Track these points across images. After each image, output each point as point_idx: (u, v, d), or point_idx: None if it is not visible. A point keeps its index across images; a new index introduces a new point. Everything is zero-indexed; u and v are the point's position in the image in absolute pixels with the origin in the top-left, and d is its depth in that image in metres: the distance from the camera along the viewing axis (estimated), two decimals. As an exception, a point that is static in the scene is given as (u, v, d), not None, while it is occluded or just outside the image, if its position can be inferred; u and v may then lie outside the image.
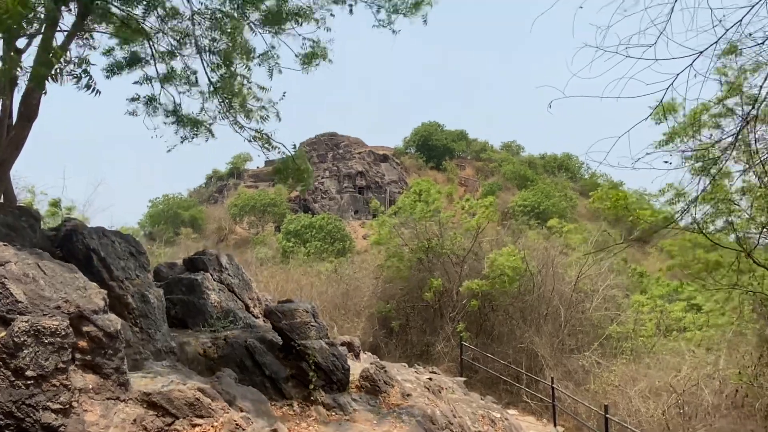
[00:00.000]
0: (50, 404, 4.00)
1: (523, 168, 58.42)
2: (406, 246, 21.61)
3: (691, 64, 4.41)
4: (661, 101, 4.64)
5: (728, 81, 7.04)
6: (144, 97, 10.20)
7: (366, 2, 9.96)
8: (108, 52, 9.95)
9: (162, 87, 10.45)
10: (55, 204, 15.91)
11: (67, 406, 4.08)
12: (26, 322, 4.06)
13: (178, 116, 10.45)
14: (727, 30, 4.34)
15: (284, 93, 10.54)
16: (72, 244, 8.55)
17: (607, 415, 12.38)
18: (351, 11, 9.98)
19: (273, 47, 10.28)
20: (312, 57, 10.25)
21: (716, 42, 4.40)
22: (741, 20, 4.27)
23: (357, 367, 10.85)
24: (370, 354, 15.47)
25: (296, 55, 10.35)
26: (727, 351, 13.28)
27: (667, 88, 4.49)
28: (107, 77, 10.02)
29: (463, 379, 16.42)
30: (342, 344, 12.10)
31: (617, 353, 17.30)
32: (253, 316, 11.81)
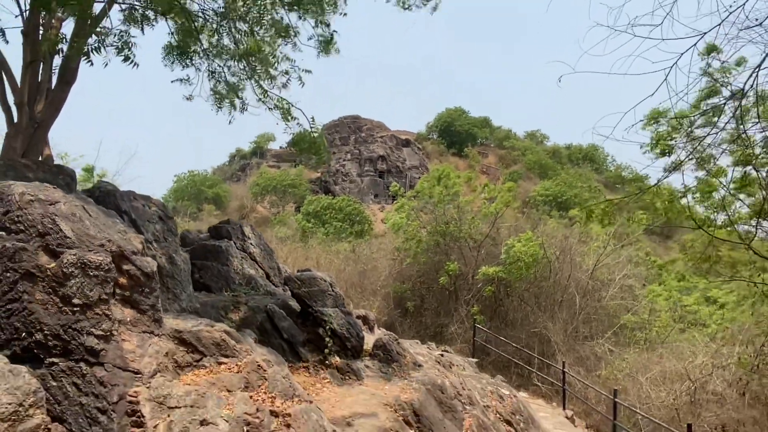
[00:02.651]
0: (93, 330, 4.44)
1: (547, 158, 58.00)
2: (424, 229, 21.89)
3: (695, 45, 4.61)
4: (665, 78, 4.85)
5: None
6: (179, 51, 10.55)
7: None
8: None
9: (209, 58, 10.84)
10: (89, 170, 16.53)
11: (108, 333, 4.51)
12: (74, 255, 4.47)
13: (230, 86, 10.81)
14: (730, 13, 4.51)
15: (309, 70, 10.88)
16: (105, 205, 9.02)
17: (616, 400, 12.60)
18: None
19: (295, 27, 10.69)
20: (329, 44, 10.66)
21: (720, 24, 4.58)
22: (744, 4, 4.44)
23: (371, 339, 11.22)
24: (384, 330, 15.86)
25: (314, 37, 10.74)
26: (740, 342, 13.35)
27: (671, 67, 4.70)
28: (165, 59, 10.44)
29: (475, 360, 16.69)
30: (358, 317, 12.47)
31: (631, 342, 17.42)
32: (273, 284, 12.23)
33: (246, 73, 10.54)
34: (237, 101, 10.85)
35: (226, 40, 10.48)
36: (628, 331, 18.17)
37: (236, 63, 10.52)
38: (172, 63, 10.37)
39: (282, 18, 10.33)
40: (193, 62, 10.47)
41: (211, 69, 10.67)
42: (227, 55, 10.52)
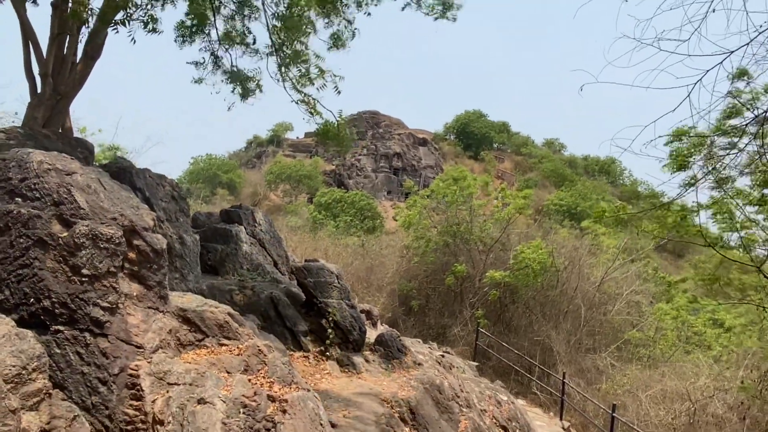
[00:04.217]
0: (100, 301, 4.50)
1: (563, 167, 57.58)
2: (435, 228, 21.85)
3: (721, 63, 4.55)
4: (688, 95, 4.81)
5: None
6: (203, 46, 10.66)
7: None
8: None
9: (219, 44, 10.95)
10: (112, 149, 16.75)
11: (114, 306, 4.57)
12: (86, 226, 4.54)
13: (232, 73, 10.93)
14: (760, 33, 4.45)
15: (341, 77, 10.92)
16: (120, 180, 9.11)
17: (614, 414, 12.51)
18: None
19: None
20: (338, 39, 10.73)
21: (748, 44, 4.52)
22: (774, 25, 4.37)
23: (373, 335, 11.24)
24: (387, 326, 15.87)
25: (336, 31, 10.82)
26: (745, 367, 13.21)
27: (695, 84, 4.65)
28: (177, 40, 10.57)
29: (475, 363, 16.65)
30: (362, 311, 12.50)
31: (634, 358, 17.30)
32: (280, 272, 12.30)
33: (279, 69, 10.62)
34: (238, 89, 10.94)
35: (239, 26, 10.59)
36: (632, 347, 18.03)
37: (267, 57, 10.63)
38: (183, 42, 10.47)
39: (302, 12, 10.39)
40: (211, 44, 10.57)
41: (216, 54, 10.79)
42: (242, 44, 10.63)
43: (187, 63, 11.16)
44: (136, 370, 4.53)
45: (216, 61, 10.89)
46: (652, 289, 20.59)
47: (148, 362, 4.60)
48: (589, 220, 24.35)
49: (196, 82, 11.18)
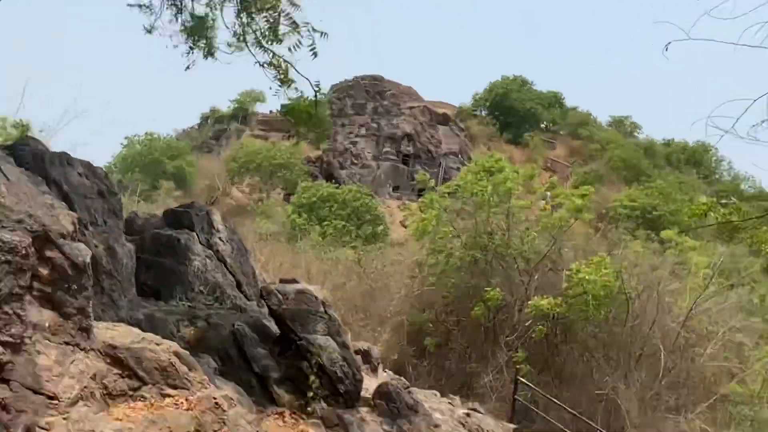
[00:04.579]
0: (-1, 335, 4.54)
1: (638, 155, 57.57)
2: (458, 238, 21.86)
3: None
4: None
5: None
6: None
7: None
8: None
9: None
10: (17, 126, 16.78)
11: (19, 341, 4.61)
12: (-18, 232, 4.58)
13: (193, 21, 10.90)
14: None
15: (325, 33, 10.75)
16: (29, 169, 9.18)
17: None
18: None
19: None
20: None
21: None
22: None
23: (372, 384, 11.31)
24: (391, 372, 15.93)
25: None
26: None
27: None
28: None
29: (513, 426, 16.62)
30: (357, 352, 12.60)
31: (733, 421, 17.30)
32: (245, 296, 12.40)
33: (239, 17, 10.56)
34: (202, 42, 10.87)
35: None
36: (731, 406, 18.03)
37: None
38: None
39: None
40: None
41: None
42: None
43: (129, 6, 11.12)
44: (48, 430, 4.56)
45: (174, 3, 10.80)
46: (760, 326, 20.57)
47: (65, 419, 4.63)
48: (674, 230, 24.37)
49: (147, 31, 11.11)
